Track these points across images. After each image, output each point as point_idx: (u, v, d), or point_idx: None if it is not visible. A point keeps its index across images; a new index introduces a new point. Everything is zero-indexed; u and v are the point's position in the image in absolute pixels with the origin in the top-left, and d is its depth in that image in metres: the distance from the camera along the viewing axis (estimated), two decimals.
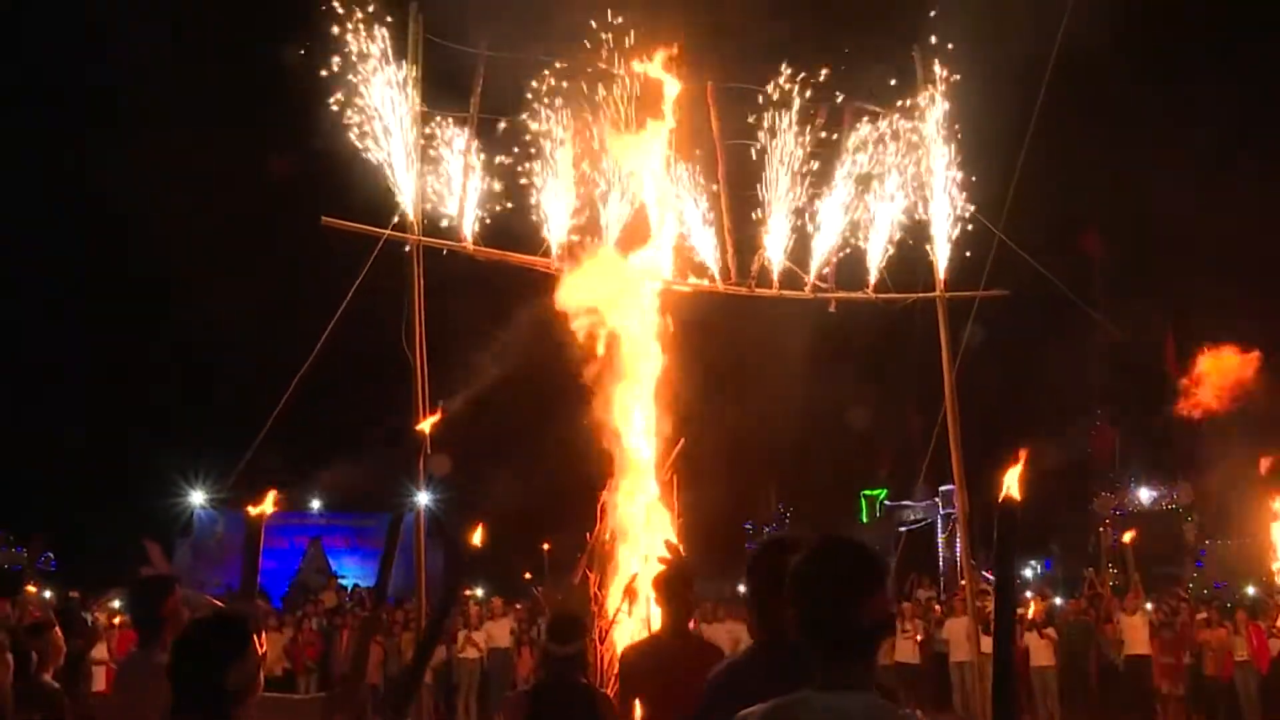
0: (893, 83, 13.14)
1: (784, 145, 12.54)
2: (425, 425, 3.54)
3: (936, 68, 13.30)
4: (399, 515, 3.61)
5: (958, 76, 13.28)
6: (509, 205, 11.57)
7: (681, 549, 4.93)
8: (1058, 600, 16.61)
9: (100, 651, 13.06)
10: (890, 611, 2.28)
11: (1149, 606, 14.96)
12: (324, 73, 11.09)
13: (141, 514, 25.07)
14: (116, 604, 15.05)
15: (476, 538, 3.15)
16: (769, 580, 2.82)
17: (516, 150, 11.40)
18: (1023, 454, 2.49)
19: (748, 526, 35.63)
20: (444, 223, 11.44)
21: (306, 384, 11.03)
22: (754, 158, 12.47)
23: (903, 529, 29.74)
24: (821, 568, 2.24)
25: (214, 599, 2.99)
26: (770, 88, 12.34)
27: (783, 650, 2.64)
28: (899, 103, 13.30)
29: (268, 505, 3.21)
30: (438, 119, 11.55)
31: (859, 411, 25.23)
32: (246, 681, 2.62)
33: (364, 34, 11.13)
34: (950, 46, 13.19)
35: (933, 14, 12.98)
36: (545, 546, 17.62)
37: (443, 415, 3.72)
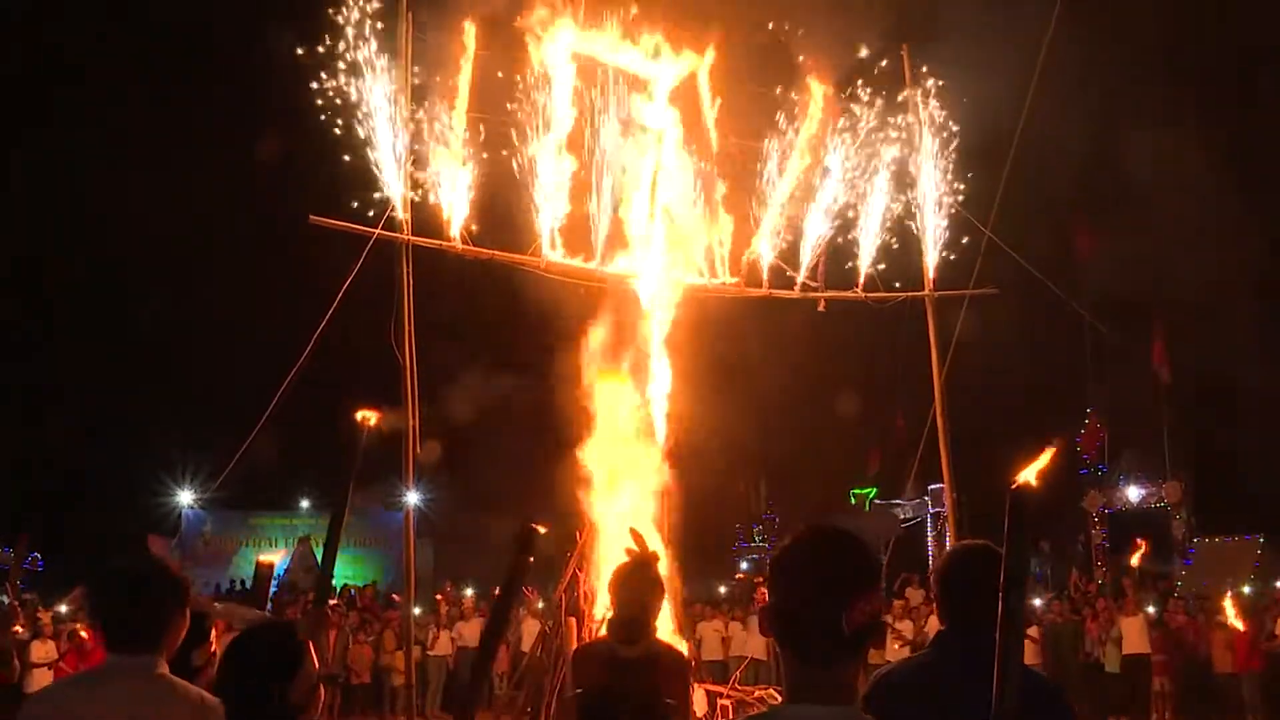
0: (879, 96, 13.21)
1: (776, 144, 12.54)
2: (369, 416, 3.18)
3: (924, 70, 13.36)
4: (340, 510, 3.22)
5: (944, 81, 13.35)
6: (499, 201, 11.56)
7: (648, 540, 4.21)
8: (1037, 601, 16.55)
9: (45, 651, 12.45)
10: (881, 615, 1.95)
11: (1150, 610, 15.02)
12: (314, 70, 11.06)
13: (129, 514, 24.96)
14: (63, 609, 14.36)
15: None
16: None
17: (505, 152, 11.37)
18: (1051, 449, 2.21)
19: (736, 526, 35.70)
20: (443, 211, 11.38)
21: (297, 381, 11.01)
22: (746, 155, 12.47)
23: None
24: (806, 560, 1.94)
25: (258, 610, 2.79)
26: (763, 85, 12.37)
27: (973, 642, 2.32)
28: (896, 99, 13.36)
29: (276, 558, 3.13)
30: (428, 116, 11.50)
31: (848, 410, 25.24)
32: (308, 693, 2.46)
33: (354, 31, 11.09)
34: (940, 47, 13.26)
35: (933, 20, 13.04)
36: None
37: (380, 416, 3.34)
